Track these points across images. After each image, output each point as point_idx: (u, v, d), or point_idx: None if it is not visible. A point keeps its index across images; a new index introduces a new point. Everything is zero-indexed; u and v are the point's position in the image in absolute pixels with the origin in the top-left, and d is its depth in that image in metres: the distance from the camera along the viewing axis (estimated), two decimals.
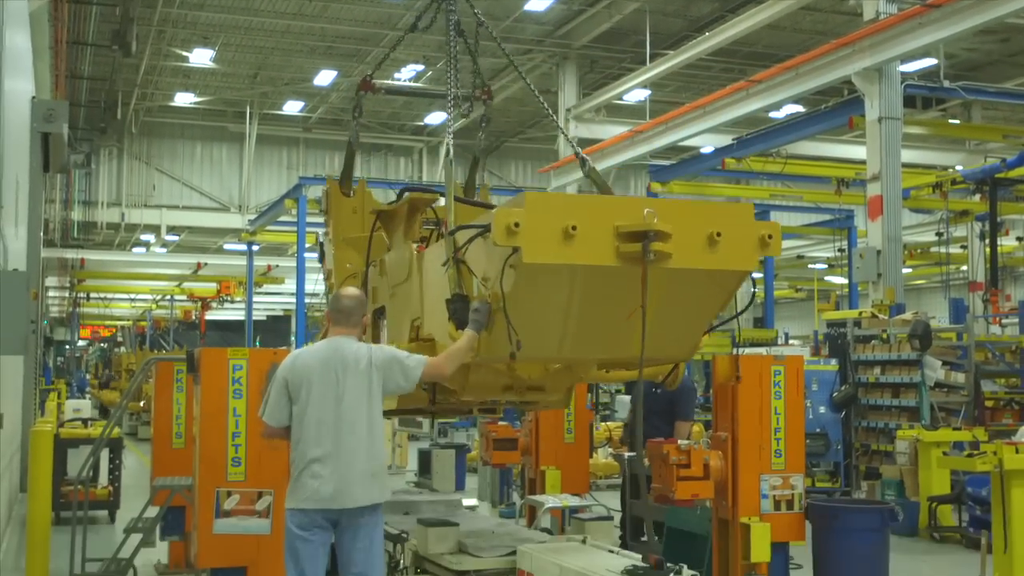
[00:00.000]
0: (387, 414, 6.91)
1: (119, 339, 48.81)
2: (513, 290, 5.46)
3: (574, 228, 5.29)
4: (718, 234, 5.56)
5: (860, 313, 15.89)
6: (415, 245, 7.37)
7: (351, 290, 6.20)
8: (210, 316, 42.10)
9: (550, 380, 6.89)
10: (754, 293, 6.83)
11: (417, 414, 10.06)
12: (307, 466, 5.64)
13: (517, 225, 5.19)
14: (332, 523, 5.67)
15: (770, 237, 5.72)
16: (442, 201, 6.93)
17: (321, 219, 9.90)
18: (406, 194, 7.55)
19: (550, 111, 8.42)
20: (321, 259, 9.27)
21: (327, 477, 5.60)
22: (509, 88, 28.77)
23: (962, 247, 23.96)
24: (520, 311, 5.55)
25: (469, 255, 5.88)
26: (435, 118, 33.85)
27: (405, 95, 35.08)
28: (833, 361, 14.71)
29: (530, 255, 5.26)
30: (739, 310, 6.34)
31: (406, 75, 28.95)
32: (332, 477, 5.60)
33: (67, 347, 50.09)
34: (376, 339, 7.41)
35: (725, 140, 22.50)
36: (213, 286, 37.70)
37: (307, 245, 24.90)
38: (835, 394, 14.23)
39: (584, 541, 6.81)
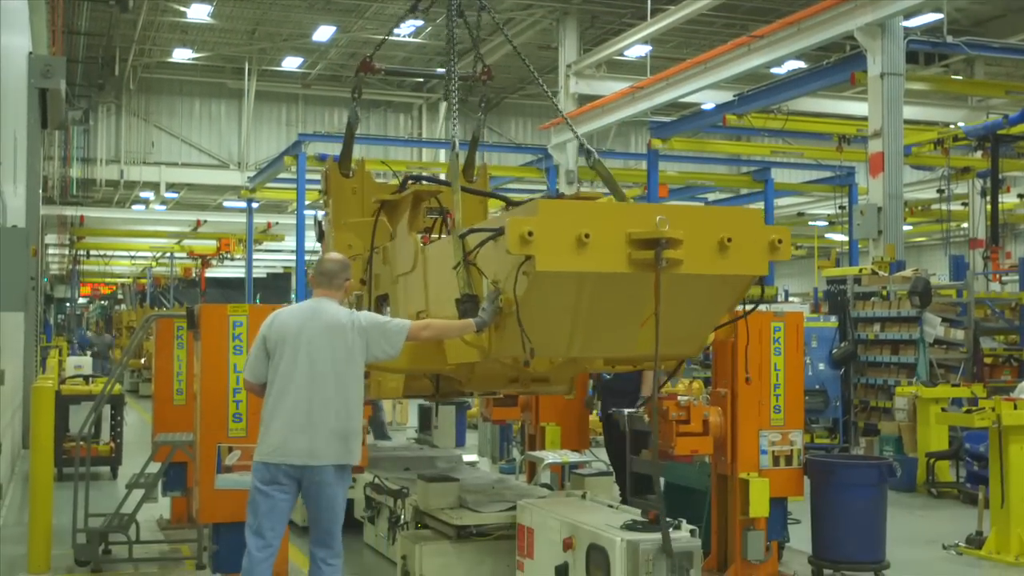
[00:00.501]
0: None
1: (119, 296, 48.78)
2: (526, 296, 5.49)
3: (587, 236, 5.30)
4: (728, 239, 5.58)
5: (860, 270, 15.86)
6: (419, 236, 7.40)
7: (335, 254, 6.35)
8: (210, 273, 42.09)
9: (555, 372, 6.94)
10: (760, 297, 6.82)
11: (422, 399, 10.09)
12: (273, 420, 5.70)
13: (531, 234, 5.21)
14: (296, 480, 5.70)
15: (780, 242, 5.77)
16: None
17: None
18: (408, 182, 7.58)
19: (542, 83, 8.45)
20: (320, 240, 9.25)
21: (292, 433, 5.64)
22: (509, 44, 28.50)
23: (963, 204, 23.86)
24: (533, 315, 5.60)
25: (479, 257, 5.90)
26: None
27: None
28: (833, 318, 14.70)
29: (544, 263, 5.29)
30: (746, 311, 6.37)
31: (405, 31, 28.70)
32: (296, 433, 5.64)
33: (67, 304, 50.09)
34: None
35: (726, 96, 22.35)
36: (213, 243, 37.64)
37: (307, 202, 24.81)
38: (834, 351, 14.23)
39: (584, 496, 6.86)
